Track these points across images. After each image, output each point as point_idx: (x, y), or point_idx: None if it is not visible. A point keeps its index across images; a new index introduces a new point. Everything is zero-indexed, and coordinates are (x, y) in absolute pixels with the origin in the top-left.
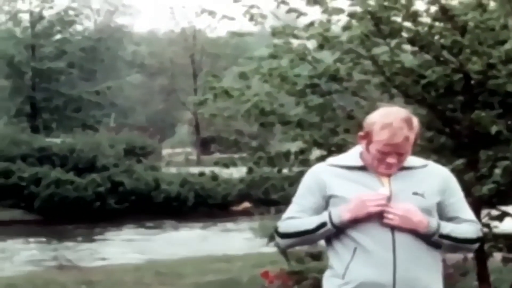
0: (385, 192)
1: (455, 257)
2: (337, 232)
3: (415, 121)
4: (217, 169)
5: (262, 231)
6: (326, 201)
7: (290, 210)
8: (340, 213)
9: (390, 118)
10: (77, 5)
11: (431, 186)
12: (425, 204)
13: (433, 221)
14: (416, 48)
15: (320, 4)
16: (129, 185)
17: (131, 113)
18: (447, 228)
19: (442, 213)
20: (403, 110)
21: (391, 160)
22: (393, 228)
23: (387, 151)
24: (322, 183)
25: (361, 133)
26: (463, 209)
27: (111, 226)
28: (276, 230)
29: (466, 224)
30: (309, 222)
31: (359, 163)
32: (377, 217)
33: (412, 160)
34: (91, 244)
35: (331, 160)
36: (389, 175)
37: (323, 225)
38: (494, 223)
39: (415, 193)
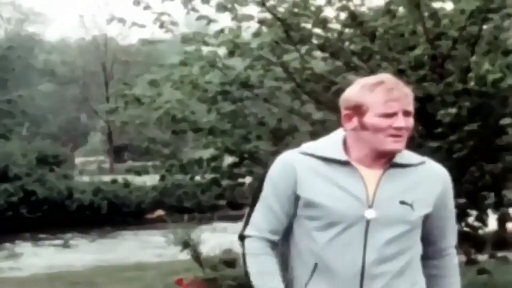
0: (371, 215)
1: None
2: (295, 242)
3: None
4: (130, 177)
5: (175, 239)
6: (295, 200)
7: (259, 217)
8: None
9: (379, 78)
10: None
11: (425, 193)
12: (410, 217)
13: None
14: (326, 55)
15: (230, 11)
16: (42, 194)
17: (44, 122)
18: None
19: (424, 224)
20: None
21: (399, 123)
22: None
23: (392, 111)
24: (293, 177)
25: (346, 112)
26: (448, 228)
27: (23, 236)
28: (240, 238)
29: (452, 278)
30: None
31: (343, 156)
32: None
33: (408, 156)
34: (2, 254)
35: (306, 147)
36: (383, 167)
37: None
38: None
39: (402, 202)
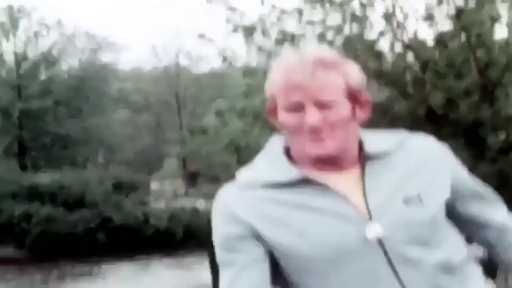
0: (375, 231)
1: None
2: None
3: (340, 59)
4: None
5: None
6: (268, 251)
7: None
8: None
9: (287, 59)
10: (61, 45)
11: (427, 176)
12: (424, 214)
13: None
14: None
15: (290, 42)
16: (118, 220)
17: (119, 149)
18: None
19: (454, 211)
20: (317, 49)
21: (310, 117)
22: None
23: (294, 100)
24: (245, 223)
25: (269, 106)
26: (487, 199)
27: (102, 261)
28: None
29: None
30: None
31: (292, 173)
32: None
33: (379, 140)
34: (83, 280)
35: (243, 177)
36: (354, 165)
37: None
38: None
39: (407, 200)
